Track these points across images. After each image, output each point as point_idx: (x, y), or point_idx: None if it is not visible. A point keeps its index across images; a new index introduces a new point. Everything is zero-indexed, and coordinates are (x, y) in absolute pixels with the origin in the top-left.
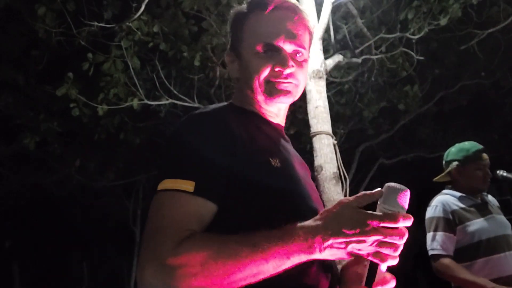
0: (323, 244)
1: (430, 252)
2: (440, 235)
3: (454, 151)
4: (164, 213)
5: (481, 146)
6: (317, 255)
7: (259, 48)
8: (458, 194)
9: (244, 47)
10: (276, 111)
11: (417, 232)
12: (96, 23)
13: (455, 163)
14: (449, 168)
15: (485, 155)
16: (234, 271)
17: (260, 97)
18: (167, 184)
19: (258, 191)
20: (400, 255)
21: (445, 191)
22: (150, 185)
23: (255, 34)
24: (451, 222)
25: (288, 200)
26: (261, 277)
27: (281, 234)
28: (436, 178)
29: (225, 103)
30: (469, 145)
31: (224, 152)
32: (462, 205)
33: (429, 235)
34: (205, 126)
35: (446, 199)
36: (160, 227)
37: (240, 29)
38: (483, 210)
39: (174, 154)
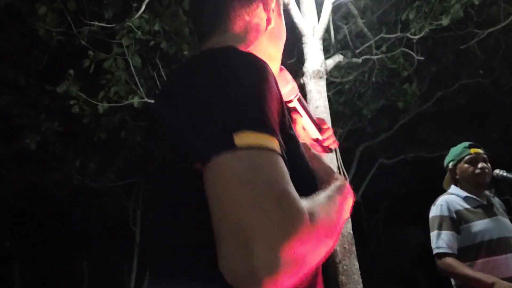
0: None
1: (435, 251)
2: (445, 233)
3: (448, 155)
4: (271, 177)
5: (468, 143)
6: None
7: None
8: (464, 194)
9: (281, 15)
10: None
11: (418, 232)
12: (96, 23)
13: (450, 164)
14: (447, 171)
15: (474, 149)
16: (340, 223)
17: (276, 66)
18: (250, 139)
19: (298, 159)
20: (400, 255)
21: (451, 190)
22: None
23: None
24: (455, 221)
25: (310, 171)
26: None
27: (339, 195)
28: (444, 184)
29: (251, 53)
30: (459, 145)
31: (282, 111)
32: (467, 206)
33: (434, 234)
34: (270, 75)
35: (450, 199)
36: (278, 194)
37: None
38: (488, 211)
39: (250, 97)
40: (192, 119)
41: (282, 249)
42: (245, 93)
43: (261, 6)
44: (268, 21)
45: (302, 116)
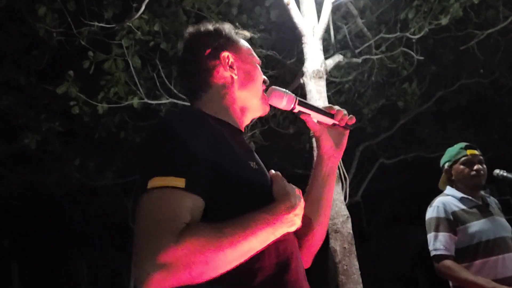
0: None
1: (433, 253)
2: (442, 235)
3: (444, 155)
4: (159, 209)
5: (465, 144)
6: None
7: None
8: (459, 195)
9: (245, 58)
10: (248, 121)
11: (418, 232)
12: (96, 23)
13: (446, 164)
14: (443, 172)
15: (471, 150)
16: (230, 253)
17: (257, 101)
18: (157, 182)
19: (242, 188)
20: (400, 255)
21: (446, 191)
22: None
23: (250, 53)
24: (452, 222)
25: (267, 198)
26: (250, 254)
27: (266, 214)
28: (439, 184)
29: (196, 110)
30: (455, 145)
31: (210, 149)
32: (463, 207)
33: (431, 236)
34: (190, 123)
35: (447, 200)
36: (157, 222)
37: (237, 43)
38: (484, 211)
39: (161, 150)
40: (138, 167)
41: (154, 261)
42: (162, 148)
43: (221, 68)
44: (231, 77)
45: (310, 115)
